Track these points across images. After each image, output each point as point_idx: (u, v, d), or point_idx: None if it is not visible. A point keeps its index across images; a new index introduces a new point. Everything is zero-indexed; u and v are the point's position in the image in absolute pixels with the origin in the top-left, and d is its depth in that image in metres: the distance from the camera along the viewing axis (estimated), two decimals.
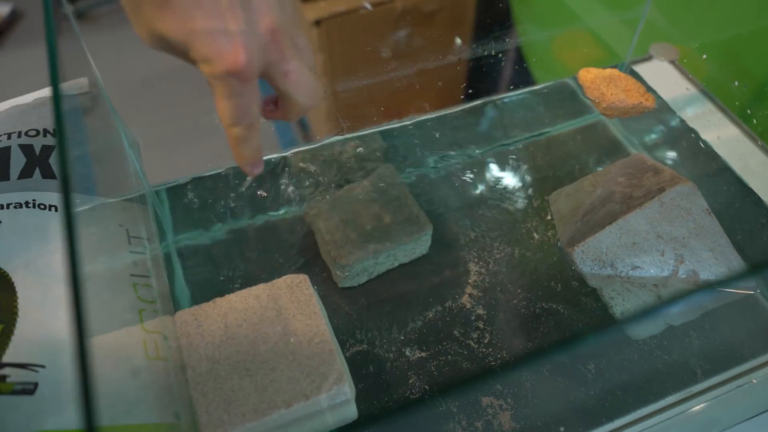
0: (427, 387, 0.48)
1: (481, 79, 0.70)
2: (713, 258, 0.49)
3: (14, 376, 0.37)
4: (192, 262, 0.55)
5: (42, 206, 0.46)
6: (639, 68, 0.74)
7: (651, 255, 0.49)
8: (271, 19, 0.29)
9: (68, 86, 0.59)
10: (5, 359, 0.38)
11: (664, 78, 0.72)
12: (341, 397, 0.39)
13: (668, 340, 0.50)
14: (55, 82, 0.27)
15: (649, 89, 0.70)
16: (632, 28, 0.69)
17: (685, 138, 0.66)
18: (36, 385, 0.37)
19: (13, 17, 1.96)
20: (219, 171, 0.62)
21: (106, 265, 0.47)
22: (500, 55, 0.75)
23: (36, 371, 0.38)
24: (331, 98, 0.66)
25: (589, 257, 0.50)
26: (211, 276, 0.54)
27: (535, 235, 0.57)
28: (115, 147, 0.52)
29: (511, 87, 0.73)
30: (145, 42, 0.30)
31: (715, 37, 0.68)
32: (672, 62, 0.74)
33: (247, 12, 0.28)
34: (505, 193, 0.61)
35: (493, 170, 0.63)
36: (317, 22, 1.16)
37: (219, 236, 0.57)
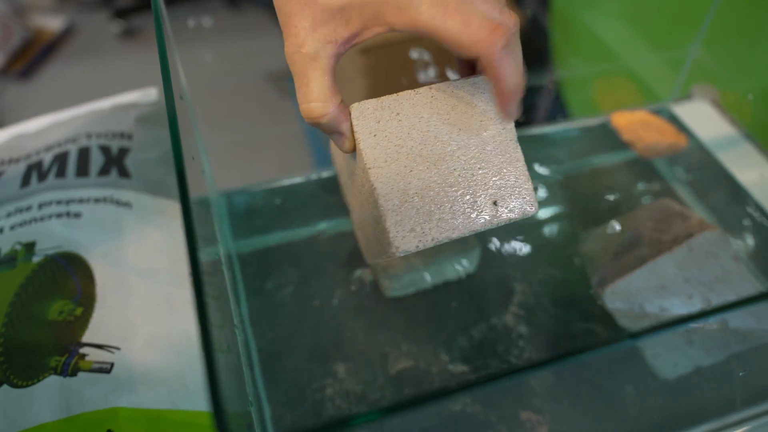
0: (468, 399, 0.50)
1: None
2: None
3: (92, 355, 0.40)
4: (248, 268, 0.58)
5: (118, 202, 0.50)
6: (678, 109, 0.76)
7: (679, 298, 0.50)
8: None
9: (139, 96, 0.63)
10: (84, 339, 0.41)
11: (705, 119, 0.75)
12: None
13: (700, 377, 0.51)
14: (168, 94, 0.30)
15: (684, 129, 0.73)
16: (675, 68, 0.72)
17: (721, 179, 0.68)
18: (112, 365, 0.40)
19: (67, 31, 2.05)
20: (279, 182, 0.66)
21: (168, 263, 0.50)
22: (536, 88, 0.77)
23: (112, 352, 0.40)
24: None
25: (619, 298, 0.51)
26: (263, 282, 0.57)
27: (575, 259, 0.59)
28: (190, 151, 0.55)
29: (546, 120, 0.76)
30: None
31: (761, 79, 0.70)
32: (712, 103, 0.76)
33: None
34: (548, 220, 0.63)
35: (538, 199, 0.65)
36: (364, 51, 1.21)
37: (275, 244, 0.60)
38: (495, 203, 0.34)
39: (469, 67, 0.37)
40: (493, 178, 0.35)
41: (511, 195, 0.35)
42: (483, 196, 0.34)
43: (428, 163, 0.34)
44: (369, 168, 0.33)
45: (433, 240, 0.33)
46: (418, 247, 0.33)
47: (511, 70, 0.31)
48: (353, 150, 0.34)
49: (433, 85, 0.35)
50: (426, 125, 0.34)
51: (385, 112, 0.34)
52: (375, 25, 0.30)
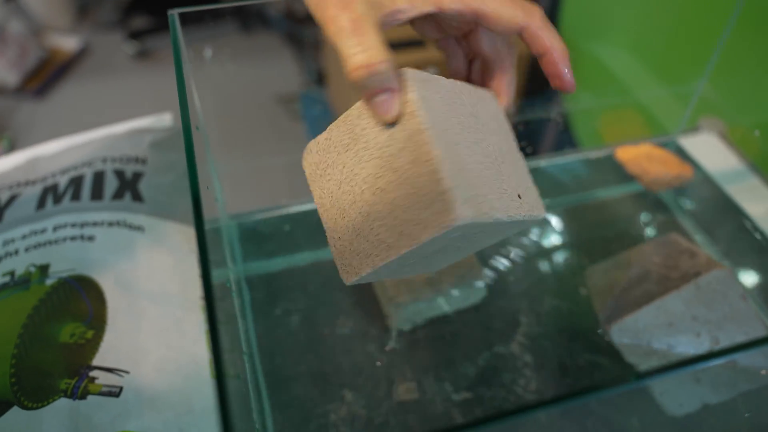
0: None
1: (524, 141, 0.73)
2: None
3: (102, 378, 0.40)
4: (257, 293, 0.58)
5: (131, 226, 0.50)
6: (685, 141, 0.77)
7: (687, 335, 0.50)
8: None
9: (153, 121, 0.64)
10: (94, 363, 0.41)
11: (712, 151, 0.75)
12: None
13: (707, 414, 0.51)
14: (186, 127, 0.30)
15: (691, 161, 0.73)
16: (683, 102, 0.73)
17: (728, 211, 0.68)
18: (121, 388, 0.40)
19: (82, 52, 2.09)
20: (289, 208, 0.66)
21: (179, 287, 0.50)
22: (544, 120, 0.78)
23: (121, 376, 0.41)
24: None
25: (627, 335, 0.51)
26: (271, 307, 0.57)
27: (581, 290, 0.59)
28: (204, 181, 0.56)
29: (555, 151, 0.76)
30: None
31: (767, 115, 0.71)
32: (719, 136, 0.77)
33: None
34: (554, 250, 0.63)
35: (543, 229, 0.66)
36: None
37: (283, 269, 0.60)
38: (519, 196, 0.35)
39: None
40: (514, 174, 0.35)
41: (526, 192, 0.36)
42: (510, 186, 0.34)
43: (470, 142, 0.32)
44: (426, 129, 0.29)
45: (485, 214, 0.30)
46: (474, 218, 0.29)
47: (555, 35, 0.34)
48: (398, 116, 0.31)
49: (452, 80, 0.35)
50: (461, 108, 0.33)
51: (430, 85, 0.32)
52: (424, 5, 0.32)
